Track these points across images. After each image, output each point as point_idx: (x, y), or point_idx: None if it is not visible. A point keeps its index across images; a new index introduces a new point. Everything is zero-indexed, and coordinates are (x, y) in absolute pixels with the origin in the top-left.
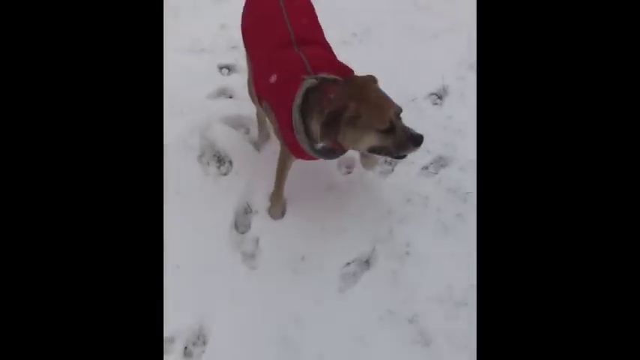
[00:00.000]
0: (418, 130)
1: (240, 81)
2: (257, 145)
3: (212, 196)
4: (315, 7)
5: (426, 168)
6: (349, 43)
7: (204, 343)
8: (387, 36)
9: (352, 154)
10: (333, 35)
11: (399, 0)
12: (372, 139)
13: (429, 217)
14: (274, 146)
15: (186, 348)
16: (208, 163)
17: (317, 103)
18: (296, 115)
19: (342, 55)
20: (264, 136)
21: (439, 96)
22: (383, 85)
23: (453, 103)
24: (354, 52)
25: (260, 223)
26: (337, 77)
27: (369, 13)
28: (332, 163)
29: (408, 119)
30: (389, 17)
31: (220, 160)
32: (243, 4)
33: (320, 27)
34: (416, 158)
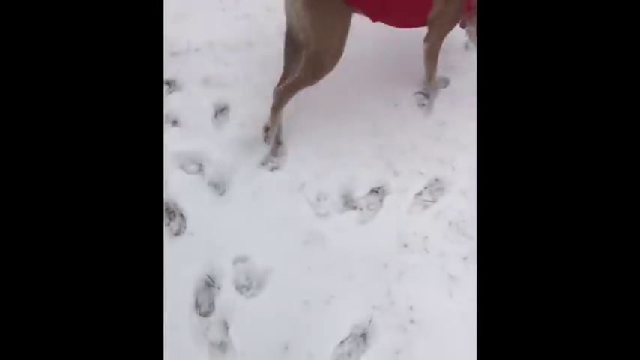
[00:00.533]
0: (406, 146)
1: (186, 100)
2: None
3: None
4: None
5: (420, 194)
6: None
7: None
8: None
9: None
10: None
11: None
12: None
13: (432, 265)
14: (239, 187)
15: None
16: None
17: None
18: None
19: None
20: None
21: (426, 94)
22: (358, 89)
23: (445, 103)
24: None
25: (227, 299)
26: None
27: None
28: (306, 208)
29: (392, 129)
30: None
31: (170, 213)
32: None
33: None
34: (407, 183)
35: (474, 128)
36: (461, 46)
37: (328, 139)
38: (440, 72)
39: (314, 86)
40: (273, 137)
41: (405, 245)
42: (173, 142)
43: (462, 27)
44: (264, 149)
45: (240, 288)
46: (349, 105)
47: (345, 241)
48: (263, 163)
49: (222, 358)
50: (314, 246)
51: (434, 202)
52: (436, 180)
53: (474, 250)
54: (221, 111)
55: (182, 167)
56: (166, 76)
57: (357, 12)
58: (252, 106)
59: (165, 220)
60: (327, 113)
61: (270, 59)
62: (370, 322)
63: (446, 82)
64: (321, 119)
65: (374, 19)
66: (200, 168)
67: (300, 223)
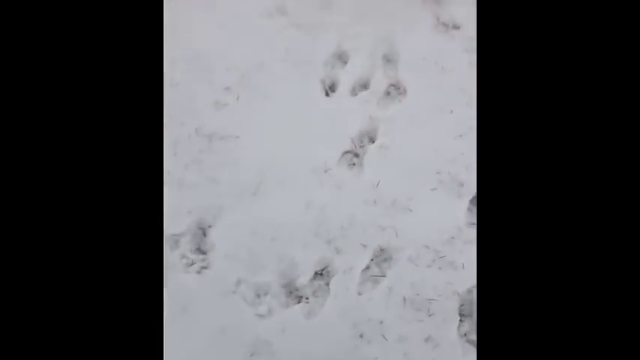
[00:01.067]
0: (344, 217)
1: None
2: None
3: None
4: (165, 56)
5: (367, 269)
6: (223, 104)
7: None
8: (272, 80)
9: None
10: (199, 94)
11: (275, 25)
12: None
13: (393, 354)
14: (167, 300)
15: None
16: None
17: None
18: None
19: (219, 123)
20: None
21: (355, 154)
22: (284, 158)
23: (375, 160)
24: (233, 115)
25: None
26: None
27: (239, 52)
28: (245, 310)
29: (326, 200)
30: (267, 53)
31: None
32: None
33: None
34: (351, 259)
35: (408, 185)
36: (382, 95)
37: (259, 221)
38: (364, 125)
39: (231, 166)
40: None
41: (361, 336)
42: None
43: None
44: (189, 245)
45: None
46: (276, 177)
47: (294, 344)
48: (189, 264)
49: None
50: (260, 358)
51: (383, 276)
52: (381, 250)
53: (435, 329)
54: None
55: None
56: None
57: None
58: (170, 195)
59: None
60: (253, 191)
61: (181, 139)
62: None
63: (373, 137)
64: (248, 198)
65: None
66: None
67: (242, 331)
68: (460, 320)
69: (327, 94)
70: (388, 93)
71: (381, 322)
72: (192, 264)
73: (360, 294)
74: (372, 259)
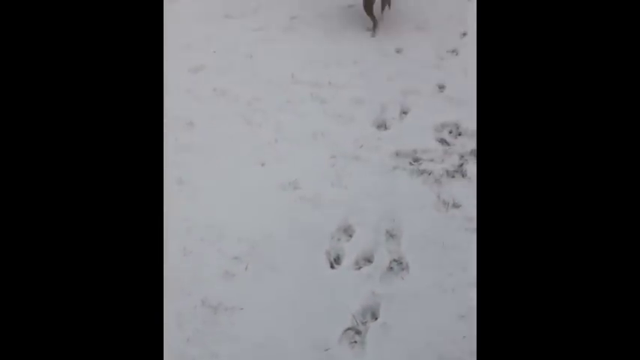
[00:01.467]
0: None
1: None
2: None
3: None
4: (181, 225)
5: None
6: (231, 274)
7: None
8: (282, 251)
9: None
10: (209, 264)
11: (287, 199)
12: None
13: None
14: None
15: None
16: None
17: None
18: None
19: (226, 294)
20: None
21: (357, 331)
22: (283, 332)
23: (377, 339)
24: (240, 286)
25: None
26: None
27: (252, 223)
28: None
29: None
30: (278, 224)
31: None
32: None
33: None
34: None
35: None
36: (385, 270)
37: None
38: (367, 301)
39: (233, 340)
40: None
41: None
42: None
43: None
44: None
45: None
46: (276, 355)
47: None
48: None
49: None
50: None
51: None
52: None
53: None
54: None
55: None
56: None
57: None
58: None
59: None
60: None
61: (186, 310)
62: None
63: (375, 314)
64: None
65: None
66: None
67: None
68: None
69: (331, 267)
70: (391, 268)
71: None
72: None
73: None
74: None
